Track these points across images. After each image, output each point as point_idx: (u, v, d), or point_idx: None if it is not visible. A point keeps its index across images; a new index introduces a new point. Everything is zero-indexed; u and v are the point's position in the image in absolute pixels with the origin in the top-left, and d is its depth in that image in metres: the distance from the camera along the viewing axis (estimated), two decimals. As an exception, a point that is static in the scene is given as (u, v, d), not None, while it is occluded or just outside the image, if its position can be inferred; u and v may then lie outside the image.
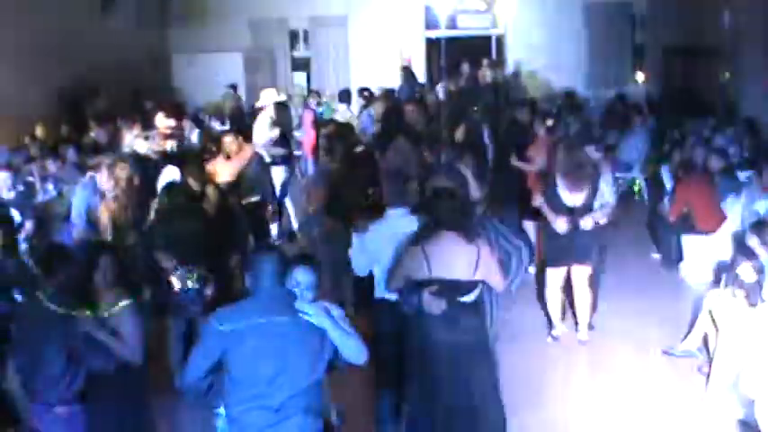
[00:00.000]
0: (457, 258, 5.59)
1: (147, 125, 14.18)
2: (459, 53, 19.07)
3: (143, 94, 17.10)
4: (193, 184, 8.32)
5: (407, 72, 17.48)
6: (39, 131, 14.40)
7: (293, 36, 20.29)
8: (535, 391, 7.13)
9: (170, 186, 8.22)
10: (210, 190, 8.44)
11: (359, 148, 10.05)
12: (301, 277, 4.59)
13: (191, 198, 7.93)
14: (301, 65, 20.44)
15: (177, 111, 15.91)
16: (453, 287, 5.55)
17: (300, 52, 20.36)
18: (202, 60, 19.19)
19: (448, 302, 5.52)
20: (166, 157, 12.44)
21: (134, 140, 12.79)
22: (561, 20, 18.92)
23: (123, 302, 5.51)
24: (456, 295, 5.55)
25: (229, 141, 10.46)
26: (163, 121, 13.83)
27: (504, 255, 6.22)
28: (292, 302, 4.44)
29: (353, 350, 4.51)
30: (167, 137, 13.28)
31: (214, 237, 7.58)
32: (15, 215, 10.38)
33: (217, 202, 8.37)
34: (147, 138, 12.52)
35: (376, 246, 6.18)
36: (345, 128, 11.16)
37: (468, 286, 5.60)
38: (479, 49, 19.50)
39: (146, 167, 10.50)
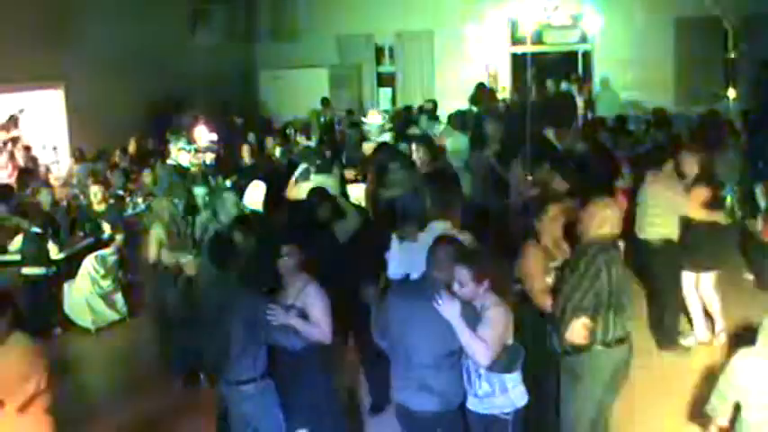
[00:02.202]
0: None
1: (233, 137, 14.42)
2: (545, 69, 18.90)
3: (230, 109, 17.35)
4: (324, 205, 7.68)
5: (481, 88, 17.21)
6: (131, 147, 14.69)
7: (379, 51, 20.37)
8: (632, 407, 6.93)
9: (295, 206, 8.06)
10: (351, 210, 7.98)
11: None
12: (457, 273, 5.04)
13: (318, 220, 7.51)
14: (387, 80, 20.48)
15: (265, 126, 16.14)
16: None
17: (386, 67, 20.42)
18: (289, 75, 19.37)
19: None
20: (260, 171, 12.62)
21: (177, 153, 13.06)
22: (650, 35, 18.57)
23: (309, 286, 5.73)
24: None
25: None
26: (203, 135, 14.07)
27: None
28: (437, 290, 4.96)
29: (473, 352, 4.94)
30: (207, 150, 13.54)
31: (346, 262, 7.12)
32: (106, 228, 10.62)
33: (359, 224, 7.78)
34: (189, 151, 12.81)
35: (409, 255, 6.46)
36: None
37: None
38: (566, 64, 19.29)
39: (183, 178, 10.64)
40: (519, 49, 19.66)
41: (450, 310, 4.89)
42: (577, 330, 5.38)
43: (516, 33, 19.54)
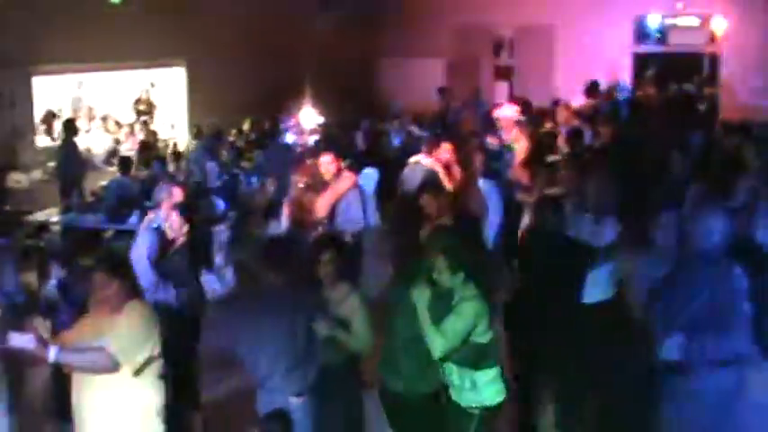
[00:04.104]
0: None
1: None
2: (668, 69, 18.40)
3: (347, 94, 17.39)
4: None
5: (593, 85, 16.83)
6: (246, 126, 14.96)
7: (498, 44, 20.16)
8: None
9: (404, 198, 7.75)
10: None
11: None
12: (436, 261, 5.12)
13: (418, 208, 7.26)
14: (504, 73, 20.27)
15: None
16: None
17: (504, 61, 20.22)
18: (407, 64, 19.34)
19: None
20: (366, 158, 12.63)
21: (285, 134, 13.22)
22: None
23: (352, 296, 5.57)
24: None
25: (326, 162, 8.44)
26: (309, 117, 14.20)
27: None
28: None
29: (428, 340, 5.01)
30: (312, 132, 13.67)
31: None
32: (220, 204, 10.83)
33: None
34: (296, 132, 12.97)
35: None
36: None
37: None
38: (691, 66, 18.76)
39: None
40: (642, 49, 19.21)
41: (418, 295, 5.03)
42: (672, 348, 5.03)
43: (641, 32, 19.08)
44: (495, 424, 5.36)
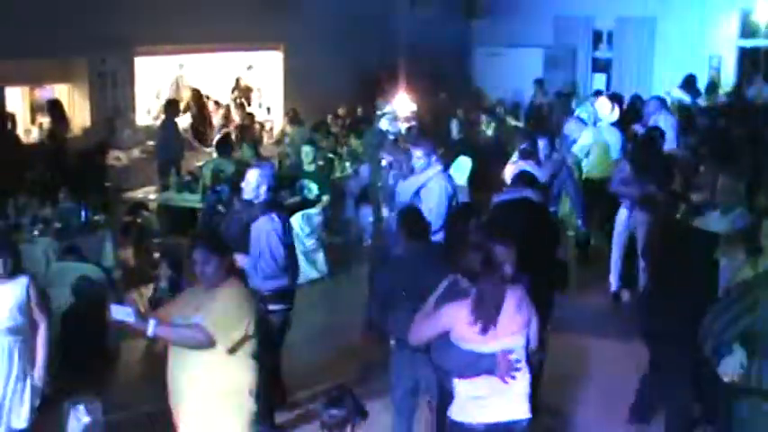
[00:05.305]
0: None
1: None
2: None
3: (440, 82, 17.32)
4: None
5: (689, 80, 16.36)
6: (341, 111, 15.02)
7: (597, 36, 19.81)
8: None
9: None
10: None
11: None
12: None
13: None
14: (602, 65, 19.90)
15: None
16: None
17: (603, 52, 19.85)
18: (503, 53, 19.14)
19: None
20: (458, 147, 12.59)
21: (381, 119, 13.20)
22: None
23: None
24: None
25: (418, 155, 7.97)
26: (404, 104, 14.14)
27: None
28: None
29: None
30: (406, 119, 13.61)
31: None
32: (314, 188, 10.86)
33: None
34: (390, 119, 12.95)
35: None
36: None
37: None
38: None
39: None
40: (749, 43, 18.61)
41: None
42: (729, 366, 4.57)
43: (748, 26, 18.45)
44: None
